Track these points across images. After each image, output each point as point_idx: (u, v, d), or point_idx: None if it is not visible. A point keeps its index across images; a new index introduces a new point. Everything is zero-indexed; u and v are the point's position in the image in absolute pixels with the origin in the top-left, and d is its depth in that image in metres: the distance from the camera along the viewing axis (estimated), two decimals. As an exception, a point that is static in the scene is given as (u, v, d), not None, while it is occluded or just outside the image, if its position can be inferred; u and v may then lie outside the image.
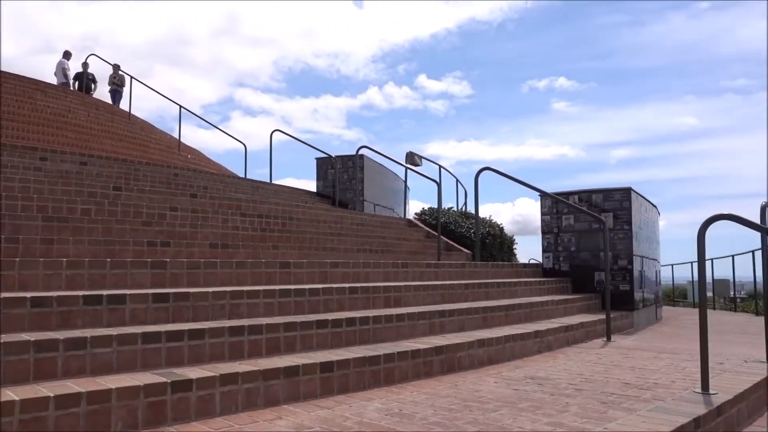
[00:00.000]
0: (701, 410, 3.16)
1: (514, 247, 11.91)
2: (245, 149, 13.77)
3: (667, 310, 12.90)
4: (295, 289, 4.08)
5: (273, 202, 8.13)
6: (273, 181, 11.73)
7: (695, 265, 14.03)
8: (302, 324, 3.63)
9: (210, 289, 3.73)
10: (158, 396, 2.64)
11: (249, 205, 7.47)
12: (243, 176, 12.74)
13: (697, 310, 12.40)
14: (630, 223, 7.35)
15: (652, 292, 8.88)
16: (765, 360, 4.81)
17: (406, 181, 12.54)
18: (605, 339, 5.99)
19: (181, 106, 14.30)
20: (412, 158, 11.66)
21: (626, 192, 7.40)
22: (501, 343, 4.63)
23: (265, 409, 2.98)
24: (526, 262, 12.38)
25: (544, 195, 7.60)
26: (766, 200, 5.10)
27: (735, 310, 13.67)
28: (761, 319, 9.12)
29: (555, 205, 7.80)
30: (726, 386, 3.78)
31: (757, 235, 5.13)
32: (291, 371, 3.15)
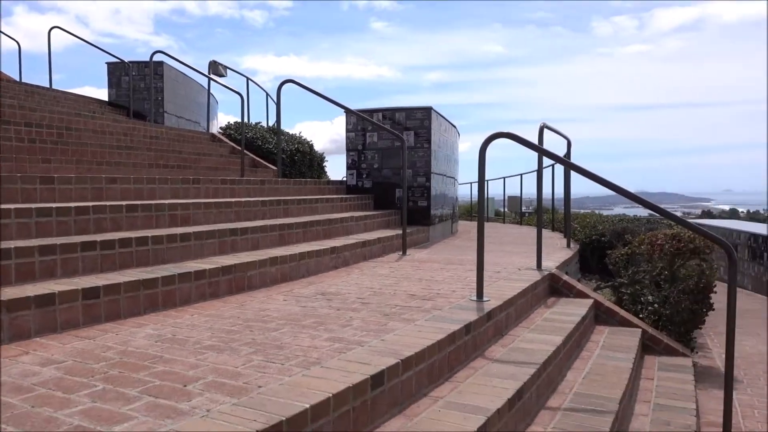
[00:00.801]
0: (473, 316, 3.36)
1: (325, 164, 11.89)
2: (19, 49, 11.92)
3: (464, 224, 13.90)
4: (57, 208, 3.58)
5: (49, 110, 7.13)
6: (59, 89, 10.32)
7: (491, 183, 15.10)
8: (63, 246, 3.21)
9: (-58, 209, 3.13)
10: None
11: (16, 112, 6.46)
12: (18, 80, 11.06)
13: (489, 224, 13.44)
14: (430, 142, 7.59)
15: (449, 207, 9.41)
16: (535, 267, 5.31)
17: (209, 93, 11.78)
18: (401, 253, 6.23)
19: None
20: (216, 68, 10.92)
21: (427, 111, 7.59)
22: (296, 261, 4.56)
23: (11, 344, 2.59)
24: (340, 179, 12.48)
25: (348, 112, 7.53)
26: (542, 123, 5.48)
27: (521, 224, 15.14)
28: (546, 231, 10.17)
29: (359, 122, 7.79)
30: (498, 293, 4.08)
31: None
32: (44, 300, 2.76)
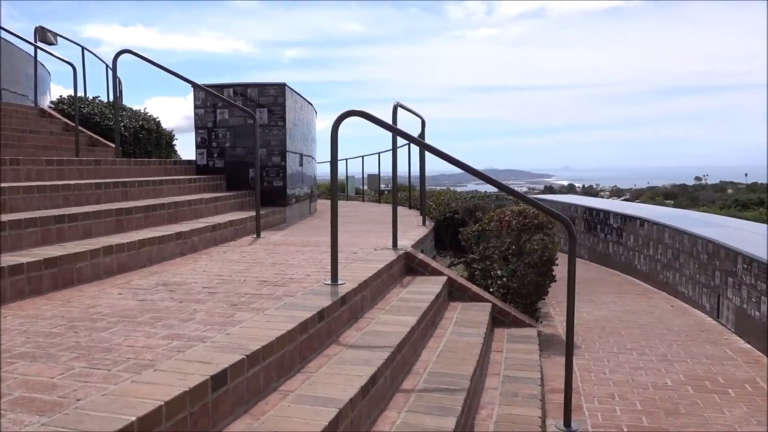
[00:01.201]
0: (327, 302, 3.25)
1: (175, 143, 11.17)
2: None
3: (323, 204, 13.81)
4: None
5: None
6: None
7: (351, 162, 14.99)
8: None
9: None
10: None
11: None
12: None
13: (348, 203, 13.37)
14: (284, 120, 7.34)
15: (308, 187, 9.25)
16: (391, 247, 5.31)
17: (36, 63, 10.57)
18: (255, 236, 5.98)
19: None
20: (44, 35, 9.80)
21: (281, 87, 7.32)
22: (135, 249, 4.17)
23: None
24: (189, 160, 11.80)
25: (196, 87, 7.06)
26: (396, 102, 5.46)
27: (380, 202, 15.31)
28: (403, 209, 10.31)
29: (209, 98, 7.35)
30: (354, 275, 4.00)
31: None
32: None
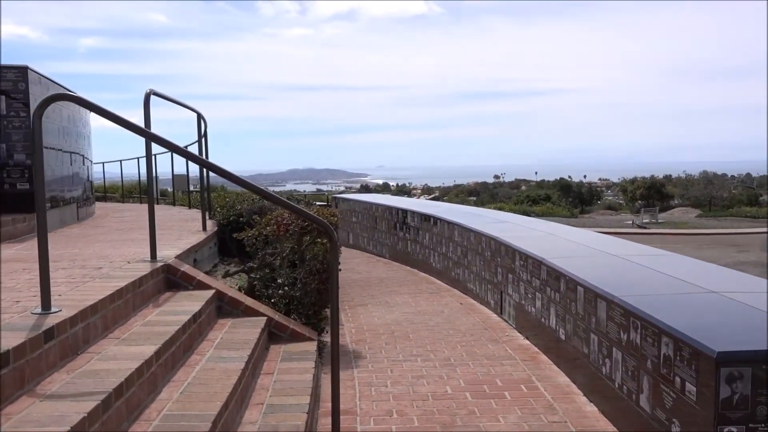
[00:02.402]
0: (19, 340, 2.49)
1: None
2: None
3: (114, 207, 12.40)
4: None
5: None
6: None
7: (160, 158, 13.65)
8: None
9: None
10: None
11: None
12: None
13: (135, 206, 11.92)
14: (29, 109, 6.16)
15: (78, 189, 8.07)
16: (150, 258, 4.56)
17: None
18: (-20, 251, 4.85)
19: None
20: None
21: (22, 71, 6.13)
22: None
23: None
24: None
25: None
26: (149, 89, 4.72)
27: (174, 204, 14.10)
28: (193, 212, 9.40)
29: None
30: (81, 299, 3.24)
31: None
32: None
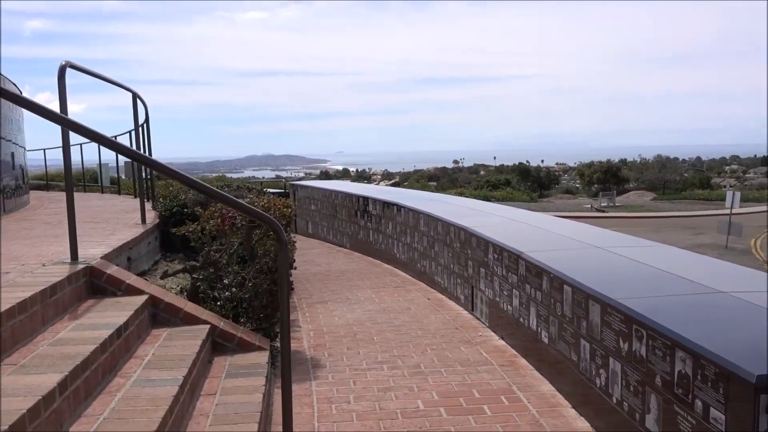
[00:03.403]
0: None
1: None
2: None
3: (45, 197, 11.50)
4: None
5: None
6: None
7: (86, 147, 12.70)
8: None
9: None
10: None
11: None
12: None
13: (86, 195, 11.04)
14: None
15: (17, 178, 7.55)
16: (69, 260, 3.89)
17: None
18: None
19: None
20: None
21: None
22: None
23: None
24: None
25: None
26: (64, 61, 4.02)
27: (120, 193, 13.21)
28: (138, 202, 8.62)
29: None
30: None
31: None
32: None
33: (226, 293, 4.48)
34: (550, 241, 5.09)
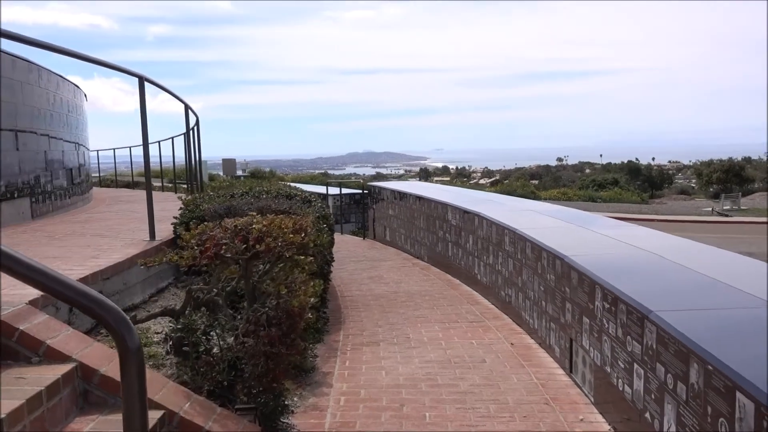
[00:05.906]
0: None
1: None
2: None
3: (109, 193, 10.97)
4: None
5: None
6: None
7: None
8: None
9: None
10: None
11: None
12: None
13: (145, 195, 10.29)
14: None
15: (60, 178, 7.11)
16: (-24, 307, 2.71)
17: None
18: None
19: None
20: None
21: None
22: None
23: None
24: None
25: None
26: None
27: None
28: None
29: None
30: None
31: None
32: None
33: (215, 351, 3.19)
34: (699, 290, 3.39)
